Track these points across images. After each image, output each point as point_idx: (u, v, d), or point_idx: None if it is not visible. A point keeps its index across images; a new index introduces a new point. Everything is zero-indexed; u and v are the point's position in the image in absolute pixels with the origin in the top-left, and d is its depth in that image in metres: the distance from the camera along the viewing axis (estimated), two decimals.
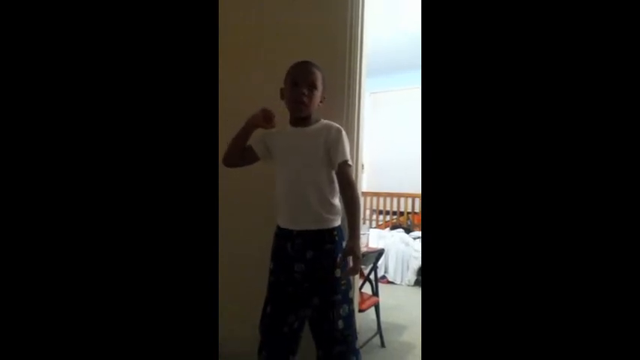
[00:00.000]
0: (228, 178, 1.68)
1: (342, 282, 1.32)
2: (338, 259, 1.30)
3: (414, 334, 2.55)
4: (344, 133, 1.35)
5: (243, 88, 1.85)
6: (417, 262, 3.93)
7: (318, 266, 1.30)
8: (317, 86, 1.34)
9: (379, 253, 2.44)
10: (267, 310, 1.38)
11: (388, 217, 5.39)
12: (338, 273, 1.31)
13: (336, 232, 1.34)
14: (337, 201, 1.36)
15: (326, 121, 1.39)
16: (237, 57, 1.89)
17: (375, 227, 5.12)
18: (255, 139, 1.44)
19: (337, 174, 1.32)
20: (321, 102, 1.39)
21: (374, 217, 5.53)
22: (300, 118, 1.37)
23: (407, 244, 4.17)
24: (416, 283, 3.90)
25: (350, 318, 1.33)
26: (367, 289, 2.35)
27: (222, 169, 1.27)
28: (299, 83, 1.32)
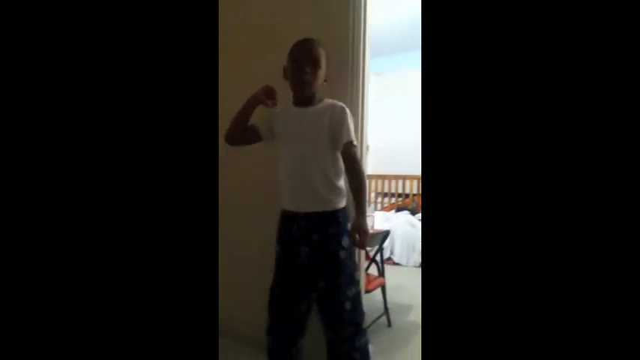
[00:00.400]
0: (229, 178, 1.68)
1: (347, 264, 1.32)
2: (342, 241, 1.31)
3: (419, 314, 2.58)
4: (348, 112, 1.32)
5: (244, 88, 1.84)
6: None
7: (324, 248, 1.30)
8: (320, 65, 1.31)
9: (385, 234, 2.45)
10: (275, 293, 1.38)
11: (393, 200, 5.40)
12: (343, 255, 1.31)
13: (341, 214, 1.33)
14: (342, 182, 1.34)
15: (330, 101, 1.36)
16: (237, 57, 1.87)
17: (380, 210, 5.13)
18: (259, 120, 1.41)
19: (342, 154, 1.31)
20: (325, 81, 1.36)
21: (379, 199, 5.54)
22: (304, 97, 1.34)
23: (412, 226, 4.18)
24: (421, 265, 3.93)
25: (357, 299, 1.34)
26: (373, 270, 2.37)
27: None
28: (301, 62, 1.29)
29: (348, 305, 1.30)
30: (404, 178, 5.31)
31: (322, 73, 1.33)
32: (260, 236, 1.67)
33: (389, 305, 2.37)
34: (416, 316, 2.58)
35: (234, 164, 1.87)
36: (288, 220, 1.36)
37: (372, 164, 4.99)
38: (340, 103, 1.34)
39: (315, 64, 1.29)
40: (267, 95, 1.35)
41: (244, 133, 1.41)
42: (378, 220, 4.01)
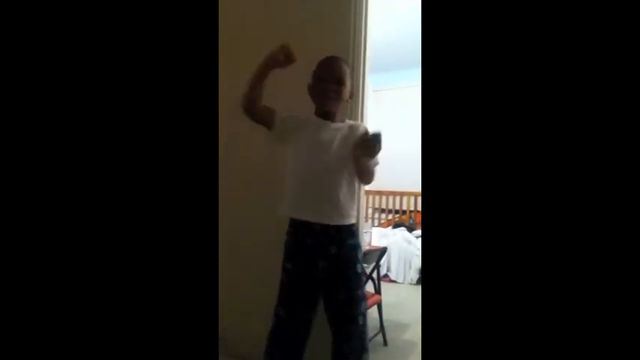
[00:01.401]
0: (228, 178, 1.68)
1: (363, 278, 1.34)
2: (359, 254, 1.32)
3: (416, 333, 2.55)
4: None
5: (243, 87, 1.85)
6: (419, 260, 3.93)
7: (342, 261, 1.30)
8: (345, 83, 1.34)
9: (382, 251, 2.44)
10: (280, 313, 1.32)
11: (390, 216, 5.39)
12: (359, 269, 1.32)
13: (355, 228, 1.35)
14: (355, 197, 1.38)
15: (352, 121, 1.42)
16: (237, 57, 1.88)
17: (377, 226, 5.12)
18: (282, 114, 1.35)
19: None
20: (350, 97, 1.40)
21: (376, 215, 5.52)
22: (328, 113, 1.35)
23: (409, 243, 4.16)
24: (418, 282, 3.90)
25: (366, 315, 1.34)
26: (370, 287, 2.35)
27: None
28: (327, 79, 1.32)
29: (361, 320, 1.30)
30: (401, 194, 5.31)
31: (347, 90, 1.36)
32: (261, 238, 1.66)
33: (385, 323, 2.34)
34: (412, 334, 2.55)
35: (234, 164, 1.87)
36: (301, 231, 1.31)
37: None
38: (364, 125, 1.42)
39: (341, 83, 1.33)
40: (286, 56, 1.29)
41: (259, 109, 1.32)
42: (375, 236, 3.99)
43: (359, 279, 1.32)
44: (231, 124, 1.83)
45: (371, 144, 1.21)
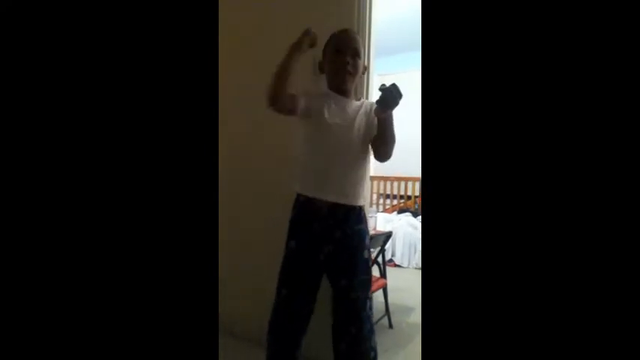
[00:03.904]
0: (228, 181, 1.69)
1: (370, 264, 1.32)
2: (366, 240, 1.30)
3: (420, 316, 2.57)
4: None
5: (244, 86, 1.84)
6: None
7: (350, 245, 1.27)
8: (360, 55, 1.30)
9: (387, 235, 2.45)
10: (282, 292, 1.30)
11: (395, 201, 5.40)
12: (366, 254, 1.30)
13: (363, 213, 1.32)
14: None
15: (367, 101, 1.37)
16: (238, 55, 1.87)
17: (382, 211, 5.13)
18: (302, 94, 1.28)
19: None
20: (363, 73, 1.36)
21: (381, 201, 5.53)
22: (344, 88, 1.31)
23: (414, 228, 4.18)
24: None
25: (372, 299, 1.33)
26: (375, 271, 2.37)
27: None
28: (342, 51, 1.27)
29: (368, 305, 1.29)
30: (406, 179, 5.31)
31: (362, 63, 1.32)
32: (260, 238, 1.67)
33: (390, 307, 2.37)
34: (417, 317, 2.58)
35: (234, 161, 1.88)
36: (309, 211, 1.26)
37: (373, 165, 4.97)
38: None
39: (356, 54, 1.29)
40: (310, 40, 1.25)
41: (285, 97, 1.20)
42: (380, 221, 4.00)
43: (366, 264, 1.30)
44: (232, 122, 1.84)
45: (391, 93, 1.16)
